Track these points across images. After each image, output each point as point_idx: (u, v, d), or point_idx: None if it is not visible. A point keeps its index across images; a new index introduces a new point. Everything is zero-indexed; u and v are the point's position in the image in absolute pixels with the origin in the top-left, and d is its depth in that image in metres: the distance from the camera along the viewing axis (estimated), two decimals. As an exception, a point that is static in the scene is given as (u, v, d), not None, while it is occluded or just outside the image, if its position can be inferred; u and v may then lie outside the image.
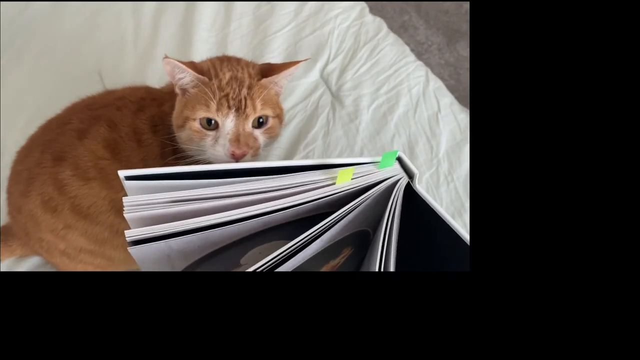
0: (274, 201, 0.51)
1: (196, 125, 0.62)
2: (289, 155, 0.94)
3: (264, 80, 0.64)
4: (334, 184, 0.51)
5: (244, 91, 0.61)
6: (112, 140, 0.66)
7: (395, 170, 0.52)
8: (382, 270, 0.53)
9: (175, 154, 0.67)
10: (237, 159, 0.62)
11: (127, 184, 0.52)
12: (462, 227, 0.50)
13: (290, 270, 0.52)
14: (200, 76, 0.61)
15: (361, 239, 0.60)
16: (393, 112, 1.01)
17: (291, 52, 1.08)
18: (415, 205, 0.53)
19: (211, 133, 0.62)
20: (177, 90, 0.64)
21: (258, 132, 0.64)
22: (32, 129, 0.72)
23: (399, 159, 0.52)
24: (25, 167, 0.67)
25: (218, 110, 0.60)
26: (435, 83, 1.06)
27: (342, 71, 1.06)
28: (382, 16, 1.16)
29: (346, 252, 0.61)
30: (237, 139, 0.60)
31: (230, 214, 0.50)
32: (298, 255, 0.50)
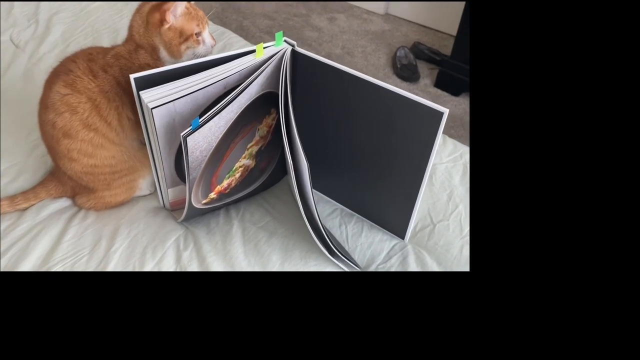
0: (226, 72, 0.92)
1: (194, 37, 0.99)
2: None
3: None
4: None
5: (201, 13, 1.02)
6: (70, 80, 0.96)
7: (284, 45, 0.97)
8: (284, 116, 0.96)
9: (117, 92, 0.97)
10: (213, 47, 1.03)
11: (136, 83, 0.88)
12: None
13: (235, 116, 0.92)
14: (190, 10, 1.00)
15: (274, 100, 1.02)
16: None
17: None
18: (304, 65, 0.97)
19: (200, 38, 1.01)
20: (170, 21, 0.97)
21: None
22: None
23: (285, 40, 0.97)
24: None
25: (203, 28, 1.01)
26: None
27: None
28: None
29: (274, 114, 1.03)
30: (212, 37, 1.03)
31: (206, 82, 0.90)
32: (238, 99, 0.91)
